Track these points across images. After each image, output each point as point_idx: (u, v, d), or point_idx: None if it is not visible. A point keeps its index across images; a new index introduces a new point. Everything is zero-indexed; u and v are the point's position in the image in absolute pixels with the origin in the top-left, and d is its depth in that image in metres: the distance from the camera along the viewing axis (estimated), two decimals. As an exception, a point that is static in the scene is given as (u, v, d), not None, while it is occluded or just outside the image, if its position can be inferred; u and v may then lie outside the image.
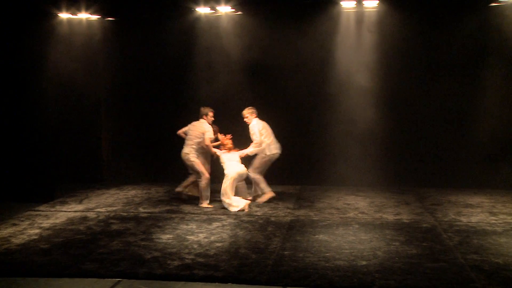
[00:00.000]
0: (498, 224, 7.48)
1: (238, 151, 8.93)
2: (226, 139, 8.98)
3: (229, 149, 8.89)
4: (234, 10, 10.44)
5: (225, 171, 8.68)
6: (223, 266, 5.82)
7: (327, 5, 10.00)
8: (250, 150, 8.87)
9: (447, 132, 10.24)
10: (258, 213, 8.29)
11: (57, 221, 7.89)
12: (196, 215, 8.20)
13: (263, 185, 9.03)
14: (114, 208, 8.72)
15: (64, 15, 10.24)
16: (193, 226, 7.53)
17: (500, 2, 9.51)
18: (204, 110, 9.04)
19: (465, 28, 9.83)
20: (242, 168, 8.72)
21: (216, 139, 9.14)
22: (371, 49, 10.25)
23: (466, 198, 9.24)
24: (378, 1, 9.82)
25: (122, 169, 11.31)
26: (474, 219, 7.80)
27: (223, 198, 8.52)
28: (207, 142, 8.70)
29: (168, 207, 8.77)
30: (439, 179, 10.28)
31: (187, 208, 8.70)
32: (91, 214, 8.30)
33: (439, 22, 9.98)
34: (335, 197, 9.38)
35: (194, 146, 8.75)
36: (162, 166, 11.13)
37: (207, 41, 10.72)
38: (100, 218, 8.07)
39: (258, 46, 10.56)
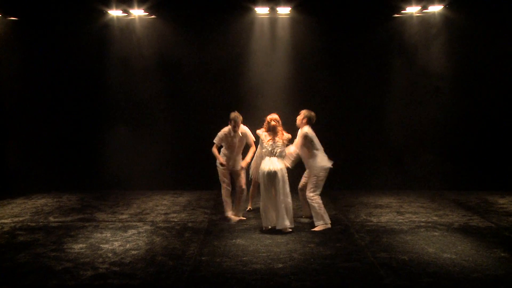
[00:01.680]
0: (405, 223, 7.91)
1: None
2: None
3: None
4: (147, 13, 10.33)
5: None
6: (139, 274, 5.69)
7: (241, 10, 10.18)
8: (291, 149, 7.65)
9: (358, 136, 10.71)
10: (175, 219, 8.19)
11: (-43, 234, 7.35)
12: (111, 222, 7.96)
13: (320, 213, 7.55)
14: (21, 219, 8.26)
15: None
16: (107, 234, 7.30)
17: (401, 13, 10.40)
18: (230, 116, 7.99)
19: (371, 35, 10.48)
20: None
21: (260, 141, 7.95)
22: (283, 53, 10.56)
23: (376, 199, 9.70)
24: (290, 8, 10.14)
25: (30, 177, 10.71)
26: (383, 219, 8.20)
27: None
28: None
29: (81, 216, 8.44)
30: (352, 181, 10.70)
31: (101, 216, 8.42)
32: (-5, 226, 7.82)
33: (348, 29, 10.51)
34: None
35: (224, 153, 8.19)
36: (74, 172, 10.72)
37: (120, 44, 10.53)
38: (4, 229, 7.60)
39: (172, 49, 10.55)
